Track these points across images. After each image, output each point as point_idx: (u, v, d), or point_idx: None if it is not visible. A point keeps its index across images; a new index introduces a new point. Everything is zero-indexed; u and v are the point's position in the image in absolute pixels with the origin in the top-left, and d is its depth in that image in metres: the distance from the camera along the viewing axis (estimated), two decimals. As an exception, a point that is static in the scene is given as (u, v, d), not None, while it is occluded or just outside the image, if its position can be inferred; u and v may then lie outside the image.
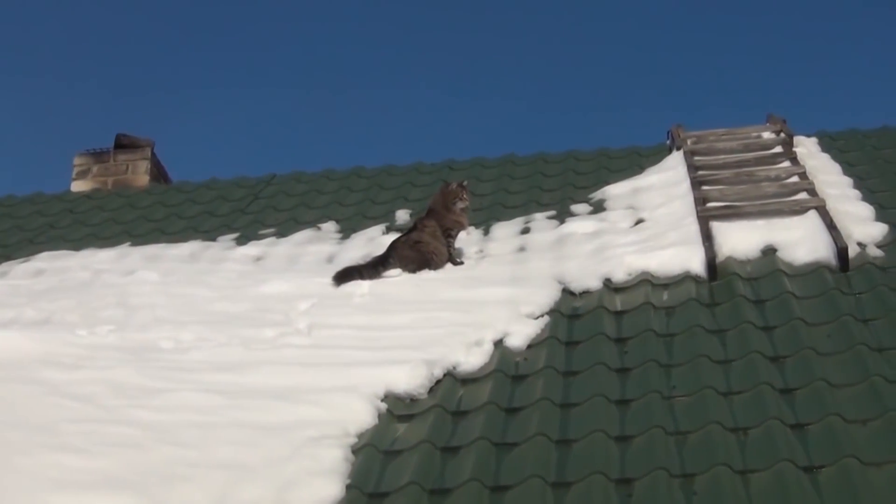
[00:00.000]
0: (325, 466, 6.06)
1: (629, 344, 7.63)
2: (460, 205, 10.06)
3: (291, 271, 9.97)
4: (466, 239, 10.37)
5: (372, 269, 9.64)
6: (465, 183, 10.25)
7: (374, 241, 10.79)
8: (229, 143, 30.34)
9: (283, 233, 11.51)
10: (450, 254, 9.85)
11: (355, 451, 6.33)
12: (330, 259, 10.45)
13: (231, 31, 32.89)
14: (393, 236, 10.70)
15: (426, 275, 9.47)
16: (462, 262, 9.85)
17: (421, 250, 9.71)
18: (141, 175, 14.38)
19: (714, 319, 7.91)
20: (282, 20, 33.20)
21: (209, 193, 13.44)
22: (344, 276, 9.48)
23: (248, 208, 12.65)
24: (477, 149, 24.13)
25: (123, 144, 14.72)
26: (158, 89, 31.81)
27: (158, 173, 14.69)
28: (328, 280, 9.32)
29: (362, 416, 6.71)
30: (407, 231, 10.11)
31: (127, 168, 14.51)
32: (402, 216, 11.50)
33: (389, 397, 6.99)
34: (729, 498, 5.55)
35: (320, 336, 8.06)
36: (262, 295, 9.13)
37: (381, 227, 11.18)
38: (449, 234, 9.90)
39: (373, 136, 31.00)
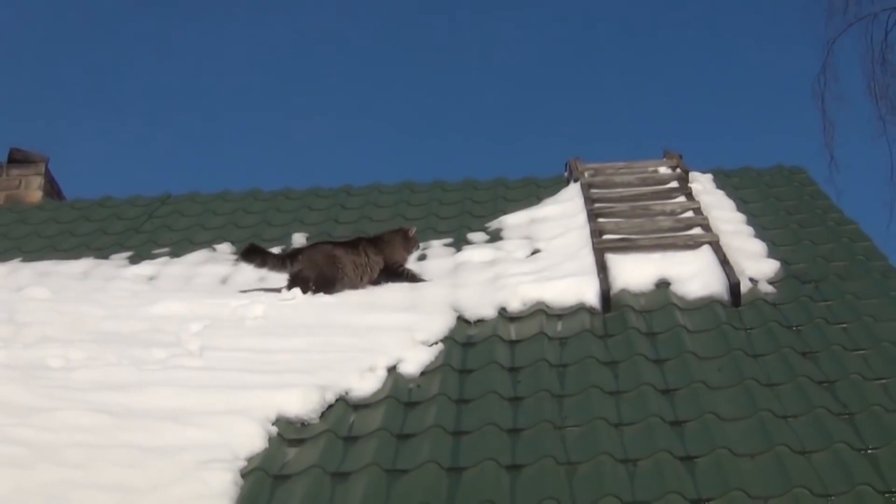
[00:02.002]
0: (213, 490, 5.99)
1: (522, 373, 7.65)
2: (414, 253, 10.33)
3: (185, 292, 9.85)
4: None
5: (278, 260, 9.84)
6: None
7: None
8: (125, 162, 29.97)
9: (177, 253, 11.39)
10: (410, 275, 9.96)
11: (244, 474, 6.27)
12: (224, 280, 10.36)
13: (127, 48, 32.49)
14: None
15: (323, 299, 9.39)
16: (421, 279, 9.94)
17: (333, 265, 9.71)
18: (34, 191, 14.12)
19: (607, 351, 7.95)
20: (179, 40, 32.89)
21: (103, 211, 13.26)
22: (249, 253, 9.77)
23: (143, 227, 12.50)
24: (375, 175, 24.15)
25: (17, 159, 14.42)
26: (53, 104, 31.36)
27: (52, 189, 14.44)
28: (222, 301, 9.22)
29: (253, 439, 6.64)
30: (339, 242, 10.23)
31: (20, 183, 14.24)
32: (299, 239, 11.43)
33: (281, 421, 6.93)
34: (617, 529, 5.58)
35: (212, 358, 7.95)
36: (153, 315, 8.99)
37: (276, 250, 11.07)
38: (398, 266, 10.02)
39: (268, 159, 30.79)
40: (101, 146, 30.98)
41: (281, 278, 10.00)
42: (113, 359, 7.87)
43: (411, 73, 33.01)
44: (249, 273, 10.45)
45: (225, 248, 11.42)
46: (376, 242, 10.10)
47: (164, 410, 6.95)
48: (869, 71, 18.32)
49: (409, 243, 10.23)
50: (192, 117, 32.15)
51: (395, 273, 9.94)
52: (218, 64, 33.00)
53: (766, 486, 5.93)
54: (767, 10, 32.28)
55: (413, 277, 9.87)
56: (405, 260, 10.12)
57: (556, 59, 32.81)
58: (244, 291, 9.72)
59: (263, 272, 10.34)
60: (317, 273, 9.64)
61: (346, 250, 9.91)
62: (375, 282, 9.88)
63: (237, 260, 9.41)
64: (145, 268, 10.91)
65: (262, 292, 9.57)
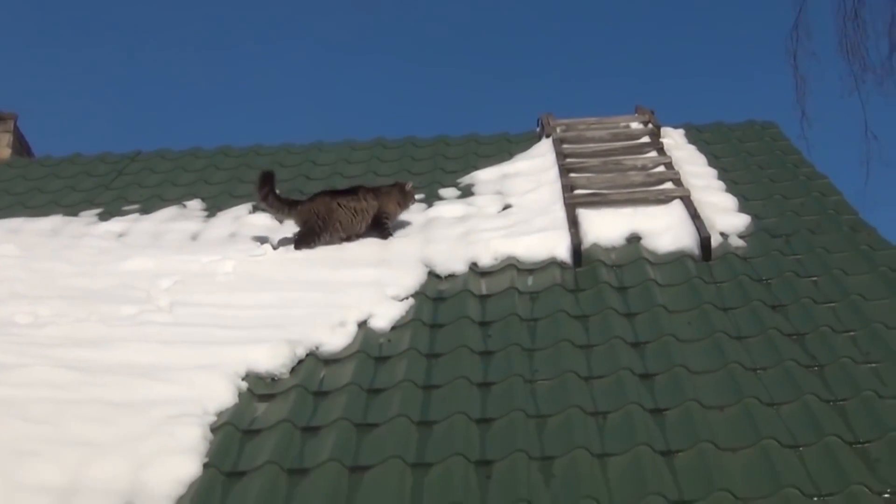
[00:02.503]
0: (182, 445, 5.97)
1: (493, 327, 7.65)
2: (409, 207, 10.25)
3: (155, 248, 9.79)
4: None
5: (280, 202, 9.96)
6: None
7: (239, 219, 10.66)
8: (95, 119, 29.73)
9: (147, 209, 11.32)
10: (386, 230, 9.89)
11: (214, 429, 6.26)
12: (194, 237, 10.31)
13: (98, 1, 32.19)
14: (260, 216, 10.61)
15: (293, 254, 9.36)
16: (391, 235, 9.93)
17: (328, 216, 9.72)
18: (3, 148, 13.99)
19: (577, 305, 7.96)
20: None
21: (73, 168, 13.17)
22: (265, 180, 9.96)
23: (113, 184, 12.42)
24: (348, 131, 24.04)
25: (-15, 116, 14.32)
26: (22, 60, 31.05)
27: (21, 147, 14.33)
28: (192, 257, 9.19)
29: (222, 394, 6.63)
30: (339, 191, 10.22)
31: (-11, 141, 14.13)
32: (270, 196, 11.36)
33: (250, 376, 6.92)
34: (586, 481, 5.60)
35: (182, 314, 7.94)
36: (123, 271, 8.95)
37: (247, 207, 11.03)
38: (387, 217, 9.93)
39: (242, 114, 30.61)
40: (71, 103, 30.71)
41: (253, 233, 9.99)
42: (82, 315, 7.85)
43: (382, 28, 32.82)
44: (220, 228, 10.43)
45: (195, 205, 11.36)
46: (375, 191, 10.08)
47: (133, 366, 6.93)
48: (841, 27, 18.25)
49: (406, 198, 10.16)
50: (165, 73, 31.88)
51: (378, 222, 9.88)
52: (190, 18, 32.70)
53: (734, 438, 5.95)
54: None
55: (387, 232, 9.82)
56: (396, 214, 10.06)
57: (529, 13, 32.61)
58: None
59: (235, 228, 10.31)
60: (305, 222, 9.71)
61: (345, 198, 9.90)
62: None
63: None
64: (115, 224, 10.84)
65: (233, 249, 9.51)
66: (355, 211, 9.78)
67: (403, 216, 10.08)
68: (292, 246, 9.52)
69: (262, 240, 9.75)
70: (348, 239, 9.72)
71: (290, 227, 9.92)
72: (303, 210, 9.76)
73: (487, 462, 5.86)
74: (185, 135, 32.63)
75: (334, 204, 9.76)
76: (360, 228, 9.81)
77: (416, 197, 10.38)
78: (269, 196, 9.88)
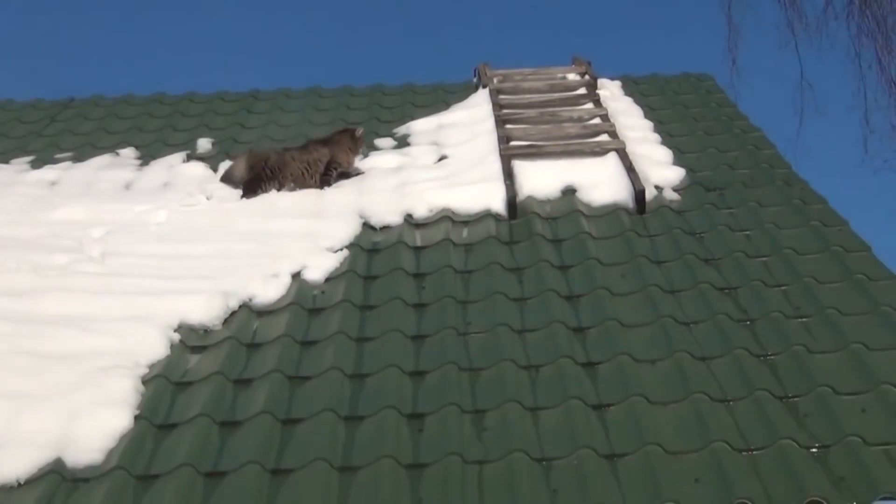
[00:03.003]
0: (113, 397, 5.96)
1: (427, 279, 7.64)
2: (360, 153, 10.25)
3: (87, 197, 9.68)
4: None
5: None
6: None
7: (173, 168, 10.54)
8: (27, 62, 29.31)
9: (79, 157, 11.18)
10: (325, 179, 9.80)
11: (146, 381, 6.25)
12: (127, 186, 10.19)
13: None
14: (193, 164, 10.54)
15: (226, 204, 9.29)
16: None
17: (280, 168, 9.70)
18: (-68, 93, 13.81)
19: (512, 257, 7.96)
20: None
21: (4, 115, 12.96)
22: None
23: (44, 131, 12.25)
24: (282, 80, 23.82)
25: (-86, 60, 14.11)
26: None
27: (-48, 92, 14.13)
28: (124, 206, 9.10)
29: (154, 346, 6.62)
30: (291, 148, 10.16)
31: (-83, 85, 13.93)
32: (204, 145, 11.26)
33: (183, 328, 6.90)
34: (518, 434, 5.63)
35: (114, 264, 7.87)
36: (55, 220, 8.85)
37: (181, 155, 10.92)
38: (336, 167, 9.86)
39: (175, 63, 30.24)
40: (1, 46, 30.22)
41: (186, 183, 9.91)
42: (12, 265, 7.75)
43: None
44: (153, 178, 10.32)
45: (128, 153, 11.22)
46: (324, 141, 10.10)
47: (64, 317, 6.89)
48: (778, -23, 18.30)
49: (356, 144, 10.17)
50: (97, 17, 31.42)
51: (326, 170, 9.83)
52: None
53: (666, 392, 6.00)
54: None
55: (327, 182, 9.76)
56: (349, 163, 10.03)
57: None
58: None
59: (169, 177, 10.22)
60: (251, 169, 9.71)
61: (297, 151, 9.92)
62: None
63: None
64: (47, 172, 10.69)
65: (166, 198, 9.42)
66: (308, 164, 9.74)
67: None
68: (228, 195, 9.46)
69: (196, 189, 9.64)
70: (290, 190, 9.68)
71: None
72: (251, 157, 9.74)
73: (419, 415, 5.89)
74: (118, 81, 32.10)
75: (287, 157, 9.77)
76: (315, 181, 9.76)
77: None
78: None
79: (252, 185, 9.55)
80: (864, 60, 18.10)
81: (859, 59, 18.12)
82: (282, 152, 9.85)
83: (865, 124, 18.36)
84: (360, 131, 10.27)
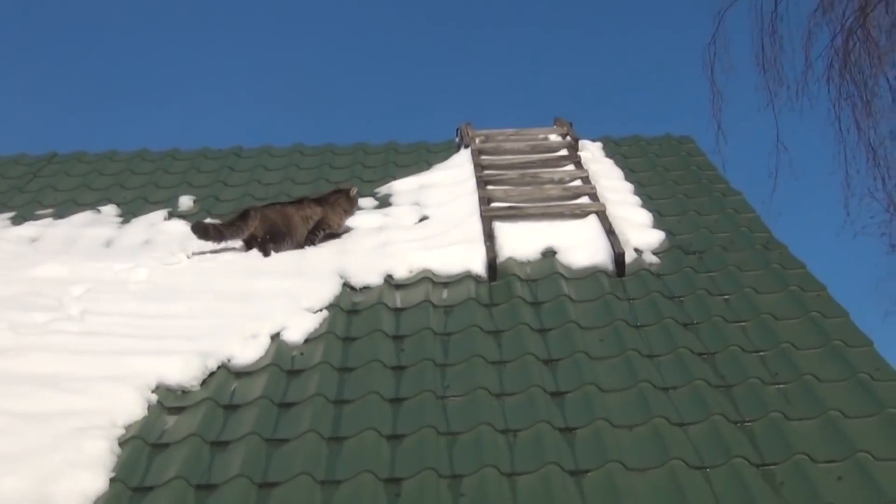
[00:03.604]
0: (89, 458, 5.92)
1: (406, 342, 7.64)
2: (351, 214, 10.24)
3: (68, 254, 9.69)
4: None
5: (232, 227, 9.62)
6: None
7: (155, 226, 10.57)
8: (9, 120, 29.31)
9: (61, 214, 11.20)
10: (311, 238, 9.81)
11: (122, 443, 6.21)
12: (108, 243, 10.21)
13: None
14: (175, 222, 10.55)
15: (207, 263, 9.28)
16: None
17: (287, 222, 9.70)
18: (-86, 147, 13.82)
19: (491, 320, 7.97)
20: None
21: (-14, 170, 13.00)
22: (199, 230, 9.57)
23: (27, 187, 12.27)
24: (265, 137, 23.86)
25: None
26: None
27: (-67, 146, 14.15)
28: (105, 264, 9.09)
29: (131, 406, 6.58)
30: (285, 202, 10.13)
31: None
32: (186, 202, 11.30)
33: (161, 388, 6.88)
34: (495, 499, 5.62)
35: (93, 322, 7.85)
36: (35, 277, 8.83)
37: (163, 213, 10.96)
38: (325, 227, 9.89)
39: (157, 119, 30.25)
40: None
41: (167, 241, 9.91)
42: (-9, 322, 7.73)
43: (302, 34, 32.68)
44: (135, 235, 10.34)
45: (110, 210, 11.26)
46: (319, 199, 10.10)
47: (41, 376, 6.85)
48: (758, 42, 18.45)
49: (351, 205, 10.21)
50: (83, 73, 31.49)
51: (315, 229, 9.85)
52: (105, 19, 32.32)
53: (643, 458, 5.99)
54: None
55: (312, 242, 9.79)
56: (339, 225, 10.07)
57: (451, 22, 32.64)
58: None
59: (150, 235, 10.23)
60: (269, 227, 9.60)
61: (294, 208, 9.90)
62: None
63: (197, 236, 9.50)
64: (28, 229, 10.71)
65: (147, 256, 9.42)
66: (304, 219, 9.79)
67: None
68: (250, 251, 9.48)
69: (177, 247, 9.64)
70: (299, 247, 9.70)
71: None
72: (262, 217, 9.67)
73: (397, 480, 5.86)
74: (101, 138, 32.11)
75: (288, 210, 9.80)
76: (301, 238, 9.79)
77: None
78: (222, 231, 9.62)
79: (274, 241, 9.55)
80: (843, 124, 18.24)
81: (839, 122, 18.24)
82: (279, 208, 9.87)
83: (846, 188, 18.48)
84: (354, 191, 10.29)
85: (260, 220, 9.61)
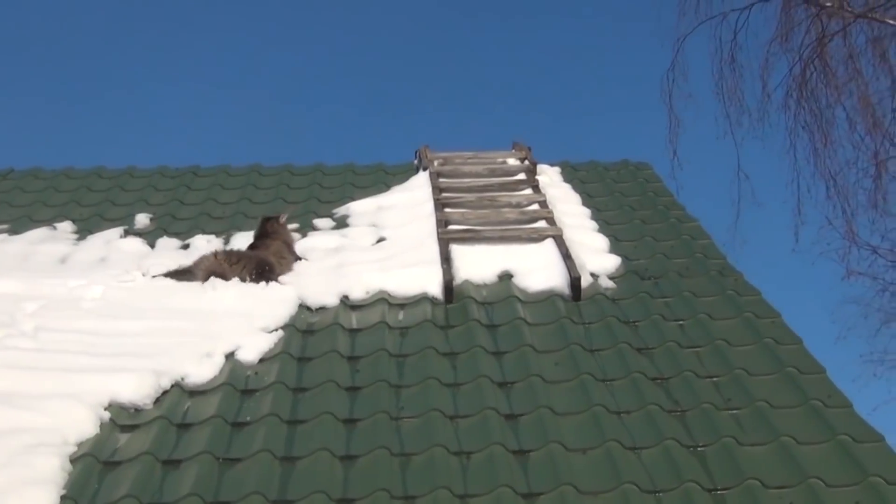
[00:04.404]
0: (40, 475, 5.90)
1: (361, 362, 7.63)
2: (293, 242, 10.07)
3: (22, 270, 9.61)
4: (206, 247, 10.21)
5: (229, 259, 9.37)
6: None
7: (110, 243, 10.50)
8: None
9: (16, 230, 11.11)
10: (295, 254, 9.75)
11: (73, 460, 6.19)
12: (63, 260, 10.15)
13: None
14: (131, 240, 10.51)
15: (163, 282, 9.20)
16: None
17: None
18: None
19: (447, 342, 7.97)
20: (42, 15, 32.03)
21: (-60, 185, 12.90)
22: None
23: (-19, 203, 12.19)
24: (225, 157, 23.83)
25: None
26: None
27: None
28: (59, 281, 9.02)
29: (83, 424, 6.56)
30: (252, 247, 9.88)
31: None
32: (143, 220, 11.25)
33: (113, 406, 6.84)
34: (448, 522, 5.61)
35: (46, 339, 7.79)
36: (-12, 294, 8.78)
37: (119, 230, 10.90)
38: (291, 249, 9.83)
39: (117, 136, 30.17)
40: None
41: (123, 258, 9.86)
42: (-57, 338, 7.67)
43: (261, 54, 32.70)
44: (90, 252, 10.28)
45: (66, 227, 11.19)
46: (269, 237, 9.91)
47: (-7, 392, 6.80)
48: (717, 70, 18.63)
49: (289, 234, 10.17)
50: (40, 90, 31.39)
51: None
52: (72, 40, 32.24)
53: (596, 482, 6.01)
54: (621, 6, 32.56)
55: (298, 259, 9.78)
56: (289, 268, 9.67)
57: (411, 45, 32.75)
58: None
59: (105, 252, 10.17)
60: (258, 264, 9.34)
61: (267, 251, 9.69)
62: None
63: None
64: (-19, 245, 10.62)
65: (102, 274, 9.36)
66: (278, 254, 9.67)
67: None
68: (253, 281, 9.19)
69: (133, 265, 9.58)
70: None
71: (164, 252, 9.93)
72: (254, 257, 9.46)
73: (349, 500, 5.86)
74: (57, 154, 31.95)
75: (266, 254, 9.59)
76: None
77: (291, 227, 10.35)
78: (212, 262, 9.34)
79: (271, 272, 9.29)
80: (799, 152, 18.42)
81: (794, 151, 18.44)
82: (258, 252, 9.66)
83: (797, 214, 18.66)
84: (284, 217, 10.22)
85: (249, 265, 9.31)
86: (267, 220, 10.14)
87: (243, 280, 9.07)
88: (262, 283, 9.04)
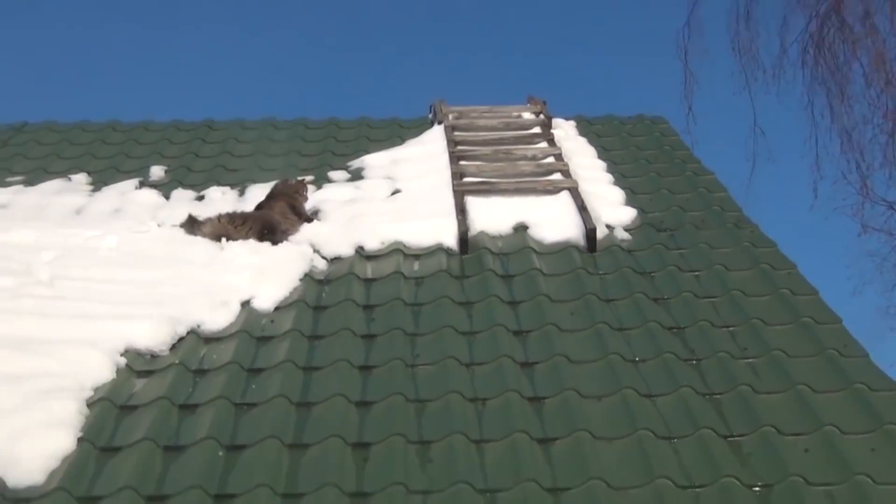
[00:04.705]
0: (57, 419, 5.91)
1: (377, 311, 7.64)
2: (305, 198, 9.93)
3: (37, 221, 9.63)
4: (221, 199, 10.22)
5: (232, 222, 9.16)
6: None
7: (125, 195, 10.51)
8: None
9: (31, 182, 11.13)
10: (305, 216, 9.57)
11: (90, 404, 6.21)
12: (78, 211, 10.16)
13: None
14: (145, 192, 10.52)
15: (177, 232, 9.19)
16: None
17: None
18: None
19: (462, 291, 7.97)
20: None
21: (-45, 138, 12.91)
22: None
23: (-3, 155, 12.20)
24: (240, 111, 23.82)
25: None
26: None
27: None
28: (75, 231, 9.03)
29: (100, 370, 6.57)
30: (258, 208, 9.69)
31: None
32: (157, 172, 11.25)
33: (130, 352, 6.86)
34: (463, 466, 5.63)
35: (63, 287, 7.79)
36: (4, 243, 8.75)
37: (134, 182, 10.91)
38: (298, 211, 9.60)
39: (133, 87, 30.10)
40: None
41: (137, 209, 9.88)
42: (-40, 287, 7.68)
43: (276, 7, 32.57)
44: (105, 203, 10.29)
45: (81, 179, 11.19)
46: (276, 198, 9.75)
47: (10, 339, 6.81)
48: (733, 26, 18.54)
49: (300, 189, 10.04)
50: (54, 41, 31.32)
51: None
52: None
53: (611, 428, 6.01)
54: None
55: (308, 220, 9.58)
56: (300, 204, 9.78)
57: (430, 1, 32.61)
58: None
59: (120, 204, 10.18)
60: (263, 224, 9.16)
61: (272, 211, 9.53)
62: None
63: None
64: (-2, 195, 10.64)
65: (117, 224, 9.37)
66: (283, 214, 9.49)
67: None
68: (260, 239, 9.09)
69: (147, 216, 9.60)
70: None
71: (179, 204, 9.93)
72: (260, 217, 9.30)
73: (365, 445, 5.87)
74: (72, 107, 31.91)
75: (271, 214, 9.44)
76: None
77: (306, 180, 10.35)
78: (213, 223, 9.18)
79: (273, 232, 9.08)
80: (816, 108, 18.34)
81: (812, 107, 18.35)
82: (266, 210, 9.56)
83: (816, 171, 18.59)
84: (304, 181, 10.22)
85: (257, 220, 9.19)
86: (278, 184, 10.08)
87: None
88: (268, 243, 8.93)
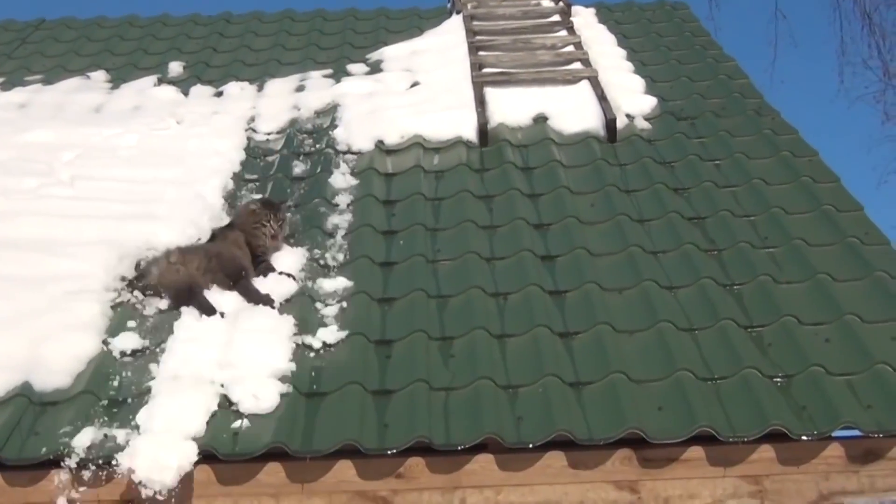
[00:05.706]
0: (81, 320, 5.97)
1: (397, 206, 7.64)
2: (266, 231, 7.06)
3: (57, 120, 9.60)
4: (240, 94, 10.18)
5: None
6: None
7: (144, 92, 10.44)
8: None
9: (49, 80, 11.07)
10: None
11: (113, 306, 6.25)
12: (98, 109, 10.11)
13: None
14: (164, 88, 10.47)
15: (197, 129, 9.15)
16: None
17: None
18: None
19: (482, 185, 7.96)
20: None
21: (-27, 36, 12.85)
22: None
23: (15, 53, 12.12)
24: (255, 3, 23.57)
25: None
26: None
27: (-80, 11, 13.96)
28: (94, 130, 9.01)
29: (123, 271, 6.59)
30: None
31: None
32: (176, 68, 11.18)
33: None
34: (485, 361, 5.67)
35: (84, 188, 7.80)
36: (24, 143, 8.76)
37: (152, 79, 10.85)
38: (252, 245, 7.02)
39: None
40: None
41: (157, 106, 9.85)
42: (-19, 188, 7.70)
43: None
44: (124, 101, 10.25)
45: (99, 76, 11.13)
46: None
47: (33, 241, 6.85)
48: None
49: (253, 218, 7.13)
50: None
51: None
52: None
53: (632, 321, 6.04)
54: None
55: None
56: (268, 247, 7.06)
57: None
58: None
59: (139, 101, 10.15)
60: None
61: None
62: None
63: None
64: (16, 95, 10.57)
65: (137, 122, 9.35)
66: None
67: (311, 93, 9.96)
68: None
69: (167, 113, 9.56)
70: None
71: (198, 100, 9.91)
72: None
73: (388, 342, 5.92)
74: (88, 2, 31.62)
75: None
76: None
77: (323, 73, 10.32)
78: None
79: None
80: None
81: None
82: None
83: (840, 56, 18.40)
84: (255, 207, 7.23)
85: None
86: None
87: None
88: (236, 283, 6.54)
